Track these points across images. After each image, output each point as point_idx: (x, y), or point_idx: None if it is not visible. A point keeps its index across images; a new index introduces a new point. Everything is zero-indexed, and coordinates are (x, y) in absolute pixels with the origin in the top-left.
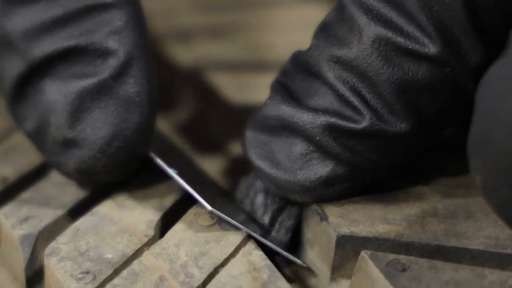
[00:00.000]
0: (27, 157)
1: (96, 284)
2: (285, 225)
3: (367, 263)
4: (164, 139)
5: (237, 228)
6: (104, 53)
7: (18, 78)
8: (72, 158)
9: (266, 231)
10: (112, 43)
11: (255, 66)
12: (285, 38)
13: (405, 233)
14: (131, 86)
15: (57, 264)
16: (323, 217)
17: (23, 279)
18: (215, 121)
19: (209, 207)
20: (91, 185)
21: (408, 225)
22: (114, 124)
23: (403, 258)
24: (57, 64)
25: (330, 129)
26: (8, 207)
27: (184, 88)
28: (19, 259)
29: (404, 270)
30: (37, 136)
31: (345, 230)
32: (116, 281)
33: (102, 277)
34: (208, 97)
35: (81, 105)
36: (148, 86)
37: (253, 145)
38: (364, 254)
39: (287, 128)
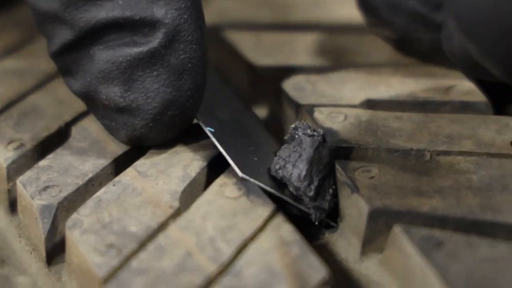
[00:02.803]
0: (45, 121)
1: (121, 258)
2: (329, 192)
3: (400, 238)
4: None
5: (266, 198)
6: (150, 22)
7: (65, 45)
8: (124, 125)
9: (310, 200)
10: (158, 11)
11: (277, 26)
12: None
13: (439, 206)
14: (183, 53)
15: (80, 236)
16: (354, 189)
17: (42, 251)
18: (235, 81)
19: (239, 173)
20: (111, 153)
21: (442, 198)
22: (167, 93)
23: (437, 232)
24: (106, 33)
25: None
26: (26, 176)
27: None
28: (39, 231)
29: (438, 245)
30: (87, 100)
31: (377, 203)
32: (141, 255)
33: (127, 251)
34: (228, 56)
35: (132, 74)
36: (199, 50)
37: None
38: (397, 228)
39: None
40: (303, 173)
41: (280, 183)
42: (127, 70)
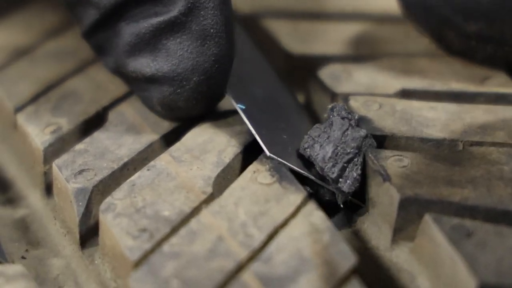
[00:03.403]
0: (82, 105)
1: (153, 242)
2: (352, 176)
3: (431, 227)
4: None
5: (298, 185)
6: None
7: (93, 25)
8: (154, 93)
9: (332, 181)
10: None
11: (313, 15)
12: None
13: (470, 196)
14: (204, 19)
15: (113, 220)
16: (386, 178)
17: (76, 234)
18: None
19: (267, 152)
20: (147, 138)
21: (473, 188)
22: (191, 59)
23: (467, 222)
24: (129, 9)
25: None
26: (62, 159)
27: (240, 35)
28: (73, 213)
29: (468, 235)
30: (120, 76)
31: (408, 192)
32: (173, 240)
33: (159, 235)
34: (264, 44)
35: (156, 44)
36: (222, 16)
37: None
38: (428, 217)
39: None
40: (328, 154)
41: (307, 162)
42: (151, 40)
